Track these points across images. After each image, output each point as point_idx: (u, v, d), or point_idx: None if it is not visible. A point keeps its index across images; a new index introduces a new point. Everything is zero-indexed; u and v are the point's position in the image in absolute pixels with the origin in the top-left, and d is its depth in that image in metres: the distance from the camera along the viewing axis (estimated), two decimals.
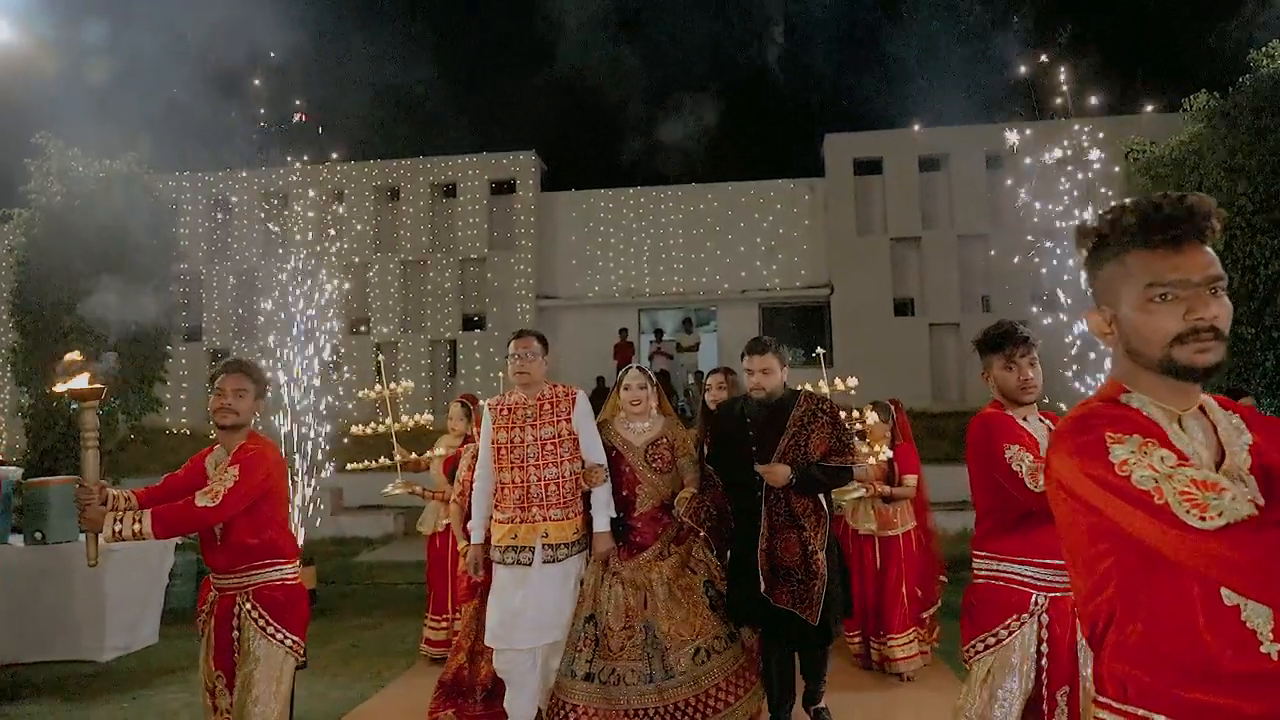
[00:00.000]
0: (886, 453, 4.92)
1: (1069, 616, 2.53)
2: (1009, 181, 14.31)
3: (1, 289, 9.21)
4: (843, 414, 4.68)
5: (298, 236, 8.44)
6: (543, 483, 3.70)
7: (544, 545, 3.65)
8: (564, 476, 3.71)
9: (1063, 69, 8.62)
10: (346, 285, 15.40)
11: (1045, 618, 2.55)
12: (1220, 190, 7.08)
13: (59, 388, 2.80)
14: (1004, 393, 2.76)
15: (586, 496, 3.79)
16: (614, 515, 3.77)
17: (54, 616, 5.64)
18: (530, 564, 3.64)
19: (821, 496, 3.73)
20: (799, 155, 18.19)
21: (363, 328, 17.05)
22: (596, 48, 22.13)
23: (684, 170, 17.85)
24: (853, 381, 4.95)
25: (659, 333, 16.49)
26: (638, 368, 4.01)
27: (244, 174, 15.67)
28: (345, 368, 16.28)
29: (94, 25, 9.80)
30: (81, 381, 2.77)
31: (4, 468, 6.32)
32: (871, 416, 5.03)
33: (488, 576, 4.02)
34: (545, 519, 3.67)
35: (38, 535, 5.73)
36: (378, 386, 5.52)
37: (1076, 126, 8.52)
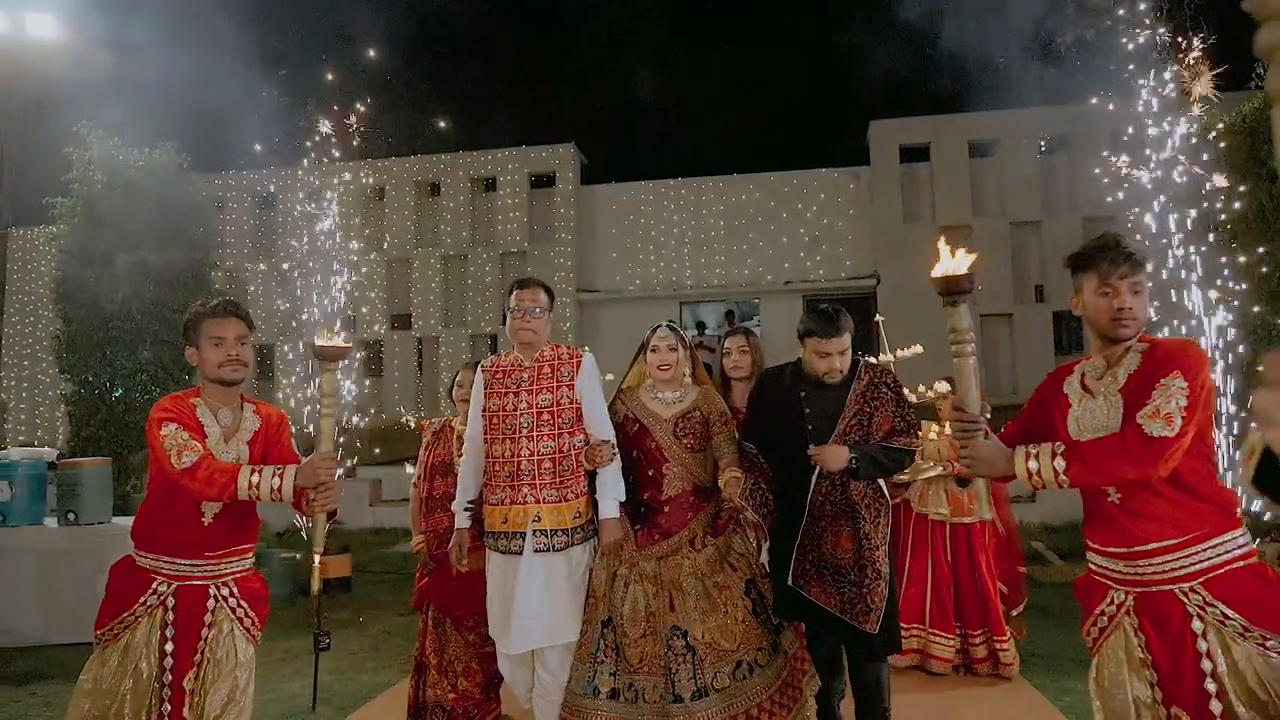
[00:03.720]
0: None
1: (1173, 617, 2.03)
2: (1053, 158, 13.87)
3: (46, 278, 9.35)
4: (909, 392, 4.32)
5: (340, 233, 8.40)
6: (535, 458, 3.15)
7: (535, 532, 3.10)
8: (561, 451, 3.17)
9: (1125, 40, 8.20)
10: (390, 262, 15.46)
11: (1135, 619, 2.08)
12: None
13: (318, 341, 2.55)
14: (1094, 325, 2.21)
15: (593, 476, 3.26)
16: (622, 499, 3.23)
17: (85, 598, 5.54)
18: (520, 553, 3.12)
19: (882, 483, 3.26)
20: (843, 143, 17.76)
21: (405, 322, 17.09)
22: (636, 39, 21.98)
23: (725, 160, 17.54)
24: (917, 349, 4.54)
25: (701, 326, 16.24)
26: (668, 325, 3.43)
27: (287, 171, 15.77)
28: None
29: (138, 23, 9.90)
30: (333, 340, 2.53)
31: (38, 449, 6.31)
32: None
33: (430, 582, 3.72)
34: (538, 500, 3.12)
35: (70, 516, 5.70)
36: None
37: (1142, 102, 8.12)
